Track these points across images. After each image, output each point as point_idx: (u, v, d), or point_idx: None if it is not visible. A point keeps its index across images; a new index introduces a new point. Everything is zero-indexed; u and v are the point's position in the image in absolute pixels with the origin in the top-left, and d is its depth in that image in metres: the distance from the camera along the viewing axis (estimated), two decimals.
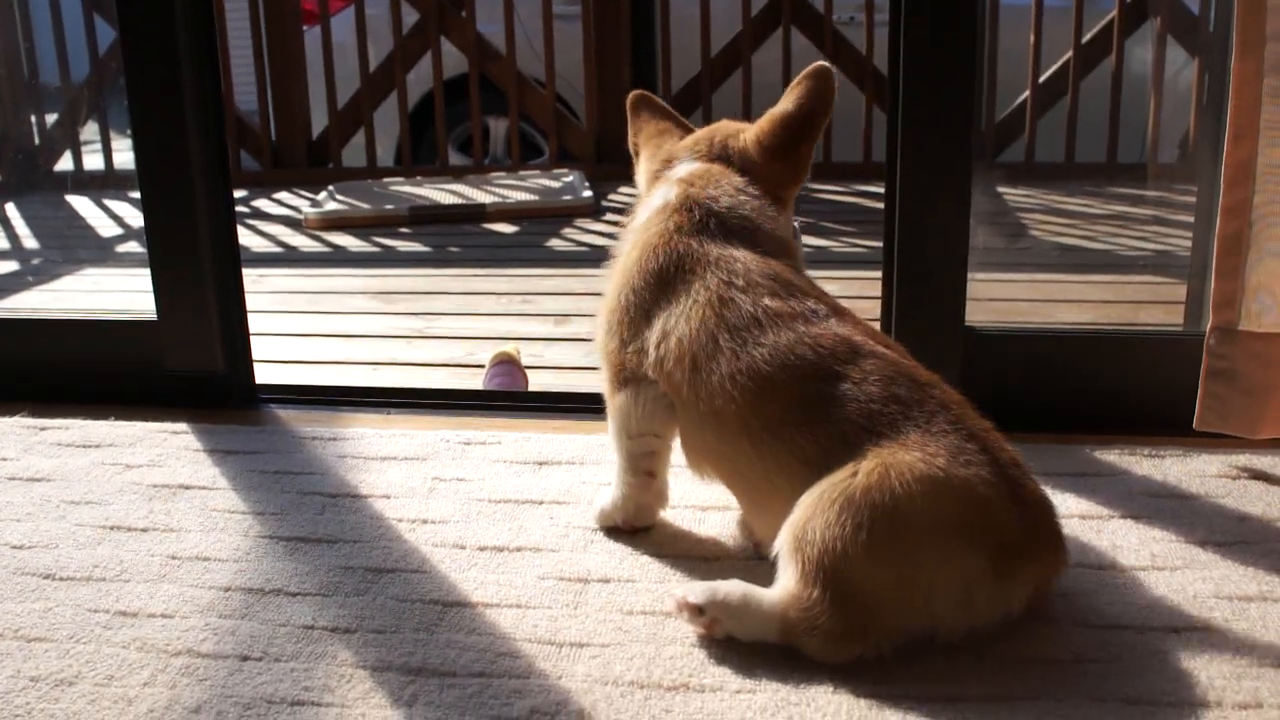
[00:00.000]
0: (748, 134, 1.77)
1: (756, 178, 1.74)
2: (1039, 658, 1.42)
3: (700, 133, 1.82)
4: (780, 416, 1.50)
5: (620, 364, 1.68)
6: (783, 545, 1.42)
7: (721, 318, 1.57)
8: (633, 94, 1.90)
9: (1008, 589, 1.41)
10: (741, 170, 1.74)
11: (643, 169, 1.85)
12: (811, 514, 1.39)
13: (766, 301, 1.57)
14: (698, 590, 1.45)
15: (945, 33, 1.96)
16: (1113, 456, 1.97)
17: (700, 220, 1.67)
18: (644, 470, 1.73)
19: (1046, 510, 1.46)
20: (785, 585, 1.41)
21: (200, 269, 2.24)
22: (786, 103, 1.74)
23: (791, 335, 1.53)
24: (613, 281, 1.73)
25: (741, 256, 1.62)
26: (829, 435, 1.46)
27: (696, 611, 1.44)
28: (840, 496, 1.38)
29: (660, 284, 1.64)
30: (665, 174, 1.78)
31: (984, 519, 1.38)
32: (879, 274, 2.14)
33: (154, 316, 2.30)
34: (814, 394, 1.49)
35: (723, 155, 1.76)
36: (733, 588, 1.45)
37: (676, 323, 1.60)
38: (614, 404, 1.71)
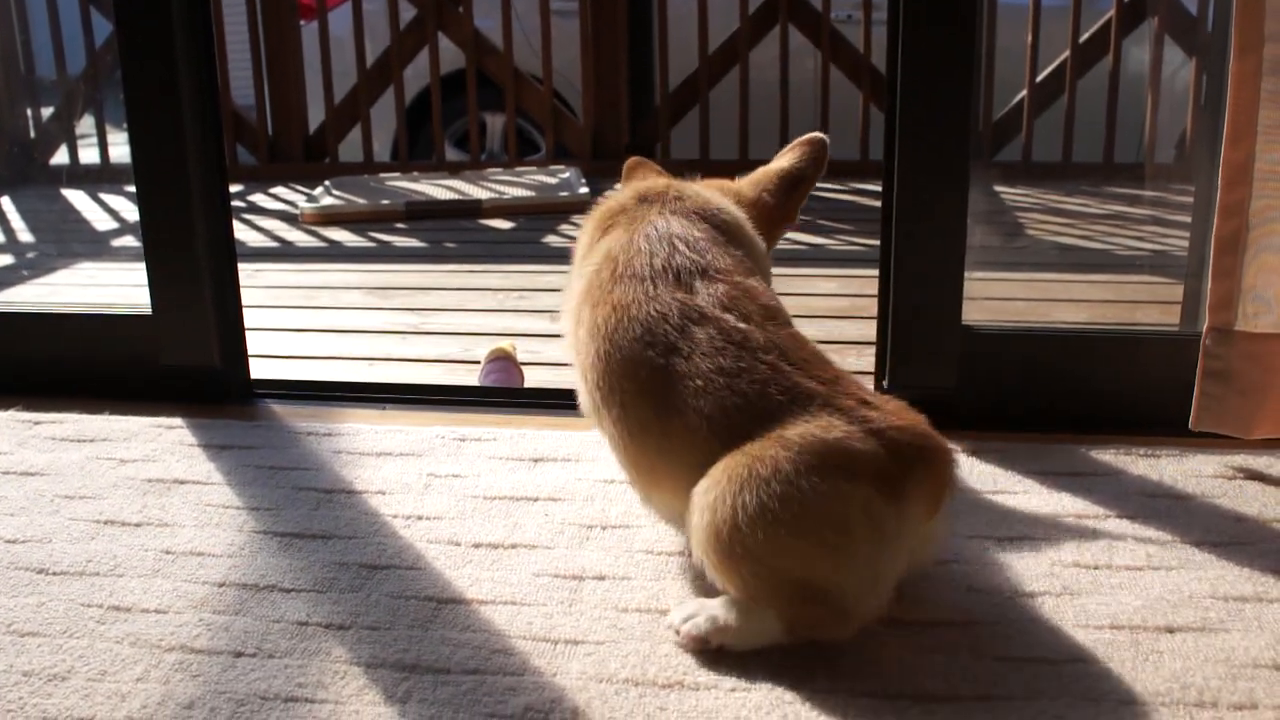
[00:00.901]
0: (740, 179, 1.90)
1: (743, 203, 1.84)
2: (1034, 657, 1.41)
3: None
4: (617, 383, 1.54)
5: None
6: (714, 579, 1.43)
7: (599, 275, 1.63)
8: (630, 160, 1.97)
9: (905, 509, 1.39)
10: (729, 195, 1.84)
11: None
12: (703, 546, 1.40)
13: (632, 259, 1.61)
14: (701, 621, 1.43)
15: (944, 30, 1.96)
16: (1108, 456, 1.97)
17: (644, 193, 1.76)
18: None
19: (905, 430, 1.43)
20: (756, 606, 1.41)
21: (196, 263, 2.23)
22: (781, 161, 1.90)
23: (632, 294, 1.57)
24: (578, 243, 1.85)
25: (655, 219, 1.68)
26: (671, 419, 1.48)
27: (702, 642, 1.42)
28: (704, 505, 1.39)
29: (589, 245, 1.75)
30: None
31: (843, 457, 1.36)
32: (876, 272, 2.14)
33: (149, 311, 2.29)
34: (644, 364, 1.51)
35: (715, 187, 1.87)
36: (730, 612, 1.42)
37: (576, 280, 1.71)
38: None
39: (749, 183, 1.89)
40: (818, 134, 1.91)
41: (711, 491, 1.39)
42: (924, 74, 1.98)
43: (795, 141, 1.92)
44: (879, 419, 1.42)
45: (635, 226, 1.68)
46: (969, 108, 2.01)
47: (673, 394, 1.48)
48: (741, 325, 1.51)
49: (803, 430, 1.39)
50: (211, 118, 2.22)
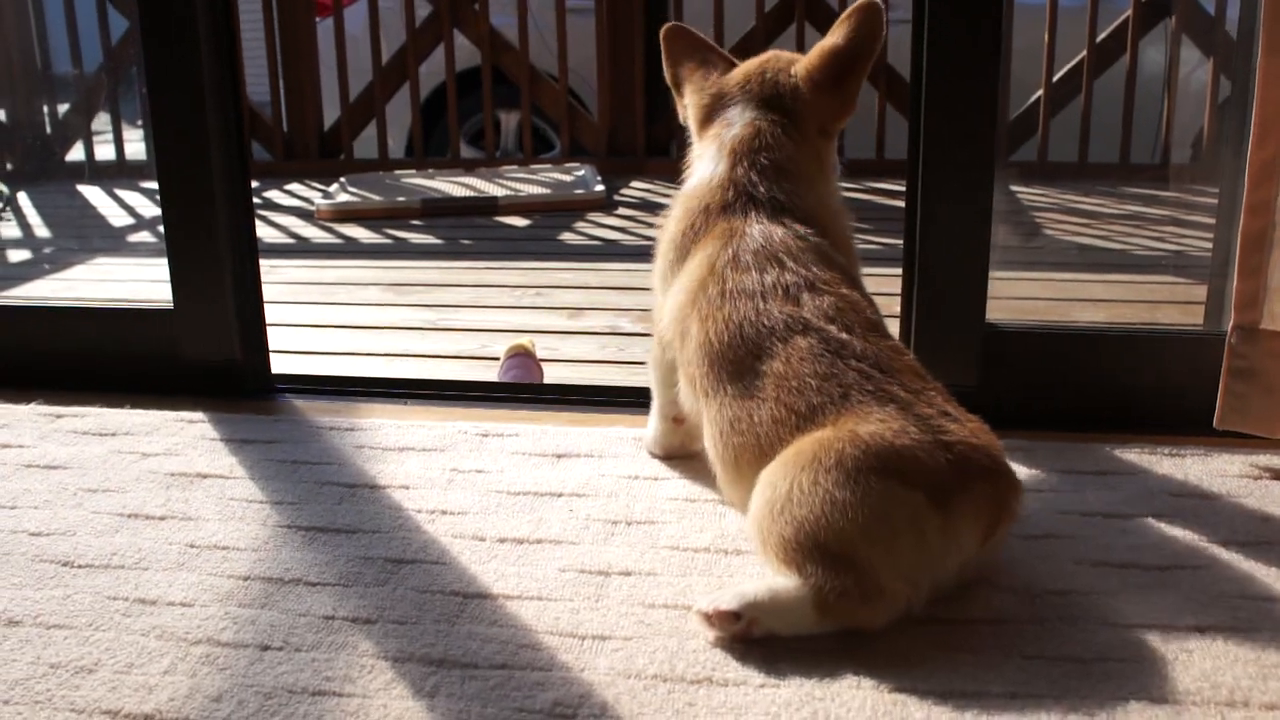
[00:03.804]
0: (798, 68, 1.81)
1: (805, 113, 1.80)
2: (1063, 656, 1.41)
3: (750, 66, 1.85)
4: (723, 386, 1.61)
5: (659, 326, 1.83)
6: (758, 553, 1.50)
7: (704, 289, 1.68)
8: (668, 26, 1.92)
9: (954, 524, 1.44)
10: (791, 108, 1.79)
11: (691, 103, 1.89)
12: (755, 520, 1.48)
13: (741, 276, 1.66)
14: (727, 597, 1.43)
15: (971, 31, 1.95)
16: (1133, 455, 1.96)
17: (733, 199, 1.76)
18: (670, 416, 1.92)
19: (977, 450, 1.47)
20: (788, 577, 1.44)
21: (217, 257, 2.23)
22: (835, 36, 1.78)
23: (743, 310, 1.63)
24: (660, 240, 1.85)
25: (754, 231, 1.71)
26: (762, 412, 1.55)
27: (733, 618, 1.42)
28: (766, 483, 1.48)
29: (679, 254, 1.78)
30: (720, 117, 1.83)
31: (904, 463, 1.42)
32: (892, 271, 2.14)
33: (170, 305, 2.29)
34: (748, 370, 1.59)
35: (774, 94, 1.80)
36: (758, 586, 1.45)
37: (677, 292, 1.74)
38: (652, 354, 1.89)
39: (805, 75, 1.79)
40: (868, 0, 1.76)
41: (776, 472, 1.47)
42: (949, 73, 1.98)
43: (846, 11, 1.79)
44: (954, 433, 1.47)
45: (734, 239, 1.70)
46: (994, 109, 2.00)
47: (769, 393, 1.55)
48: (842, 335, 1.57)
49: (875, 430, 1.44)
50: (233, 112, 2.22)
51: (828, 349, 1.56)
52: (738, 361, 1.61)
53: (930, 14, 1.97)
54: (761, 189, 1.75)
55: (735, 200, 1.75)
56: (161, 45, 2.16)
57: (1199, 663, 1.39)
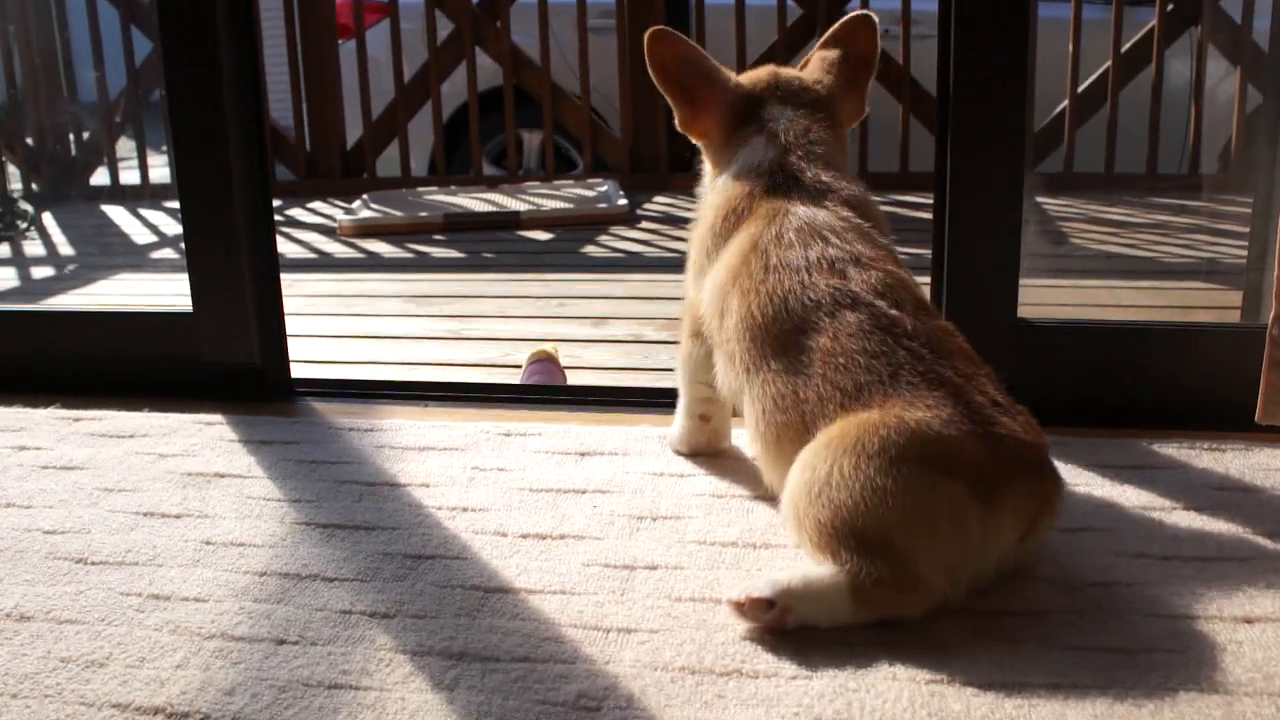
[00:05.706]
0: (819, 76, 1.85)
1: (839, 115, 1.84)
2: (1105, 646, 1.36)
3: (761, 73, 1.87)
4: (765, 363, 1.56)
5: (694, 315, 1.78)
6: (792, 536, 1.47)
7: (747, 265, 1.64)
8: (654, 29, 1.85)
9: (995, 519, 1.40)
10: (829, 109, 1.82)
11: (718, 102, 1.84)
12: (791, 499, 1.45)
13: (785, 252, 1.62)
14: (759, 585, 1.38)
15: (997, 43, 1.94)
16: (1171, 450, 1.91)
17: (780, 183, 1.73)
18: (698, 414, 1.88)
19: (1025, 445, 1.44)
20: (822, 563, 1.40)
21: (237, 259, 2.20)
22: (836, 49, 1.86)
23: (787, 284, 1.58)
24: (695, 233, 1.81)
25: (798, 211, 1.67)
26: (808, 389, 1.50)
27: (766, 605, 1.37)
28: (805, 464, 1.44)
29: (719, 239, 1.74)
30: (756, 115, 1.80)
31: (950, 453, 1.38)
32: (919, 279, 2.10)
33: (189, 310, 2.27)
34: (793, 345, 1.54)
35: (813, 97, 1.83)
36: (791, 574, 1.40)
37: (717, 272, 1.70)
38: (681, 351, 1.85)
39: (832, 83, 1.84)
40: (860, 13, 1.86)
41: (817, 453, 1.42)
42: (977, 88, 1.96)
43: (839, 23, 1.87)
44: (1003, 425, 1.43)
45: (777, 218, 1.67)
46: (1023, 120, 1.98)
47: (815, 370, 1.51)
48: (892, 312, 1.53)
49: (922, 417, 1.40)
50: (253, 113, 2.20)
51: (878, 326, 1.51)
52: (782, 336, 1.56)
53: (957, 28, 1.94)
54: (809, 174, 1.73)
55: (782, 184, 1.73)
56: (184, 69, 2.14)
57: (1249, 653, 1.34)
